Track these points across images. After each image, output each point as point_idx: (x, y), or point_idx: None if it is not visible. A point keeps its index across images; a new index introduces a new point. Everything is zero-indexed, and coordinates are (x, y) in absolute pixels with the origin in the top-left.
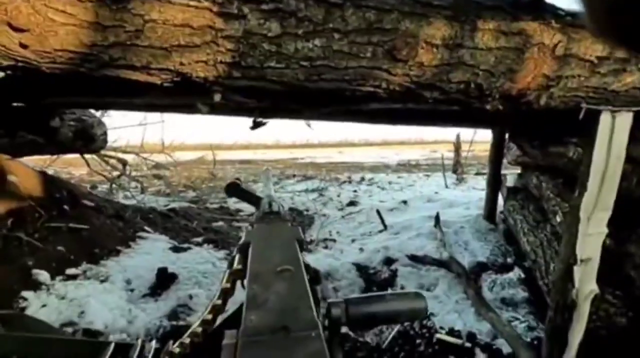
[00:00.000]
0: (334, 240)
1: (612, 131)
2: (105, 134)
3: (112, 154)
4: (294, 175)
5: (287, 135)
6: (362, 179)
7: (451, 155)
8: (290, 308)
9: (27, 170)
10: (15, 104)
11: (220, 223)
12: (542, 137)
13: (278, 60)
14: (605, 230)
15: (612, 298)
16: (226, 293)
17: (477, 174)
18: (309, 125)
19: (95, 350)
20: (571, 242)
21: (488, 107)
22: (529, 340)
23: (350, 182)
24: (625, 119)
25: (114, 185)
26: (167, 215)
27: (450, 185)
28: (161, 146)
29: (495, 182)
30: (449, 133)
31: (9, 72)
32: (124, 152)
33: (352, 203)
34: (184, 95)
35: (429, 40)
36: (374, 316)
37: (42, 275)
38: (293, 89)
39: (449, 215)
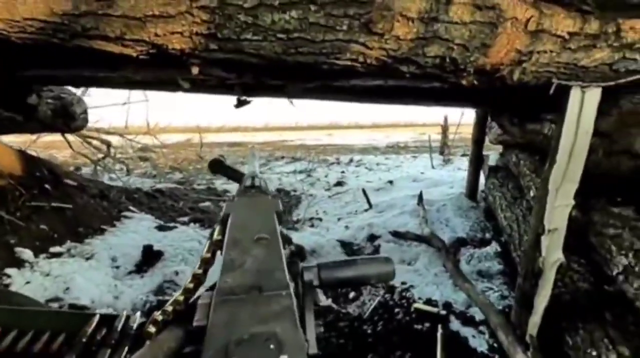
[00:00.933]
0: (320, 219)
1: (581, 106)
2: (85, 112)
3: (95, 134)
4: (283, 157)
5: (277, 118)
6: (351, 160)
7: (440, 137)
8: (264, 271)
9: (5, 148)
10: None
11: (207, 203)
12: (521, 115)
13: (255, 32)
14: (572, 202)
15: (577, 265)
16: (207, 263)
17: (464, 155)
18: (292, 103)
19: (80, 322)
20: (540, 214)
21: (464, 82)
22: (500, 307)
23: (338, 163)
24: (594, 95)
25: (98, 167)
26: (153, 195)
27: (436, 166)
28: (146, 128)
29: (477, 161)
30: (438, 116)
31: None
32: (108, 133)
33: (339, 183)
34: (163, 70)
35: (404, 14)
36: (344, 279)
37: (25, 253)
38: (271, 62)
39: (433, 194)
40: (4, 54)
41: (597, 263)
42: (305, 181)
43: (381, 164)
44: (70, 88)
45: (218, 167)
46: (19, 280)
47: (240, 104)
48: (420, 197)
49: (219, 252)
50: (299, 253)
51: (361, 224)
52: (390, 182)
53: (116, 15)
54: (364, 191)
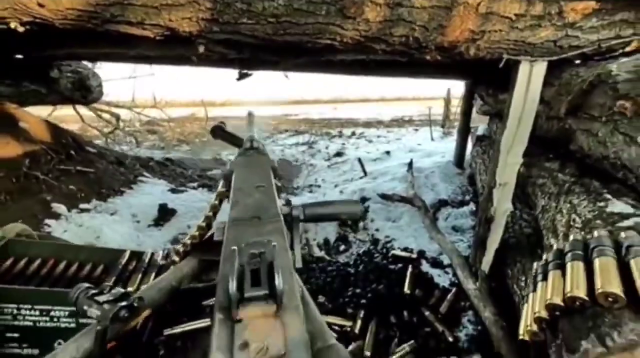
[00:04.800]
0: (319, 186)
1: (529, 78)
2: (100, 85)
3: (105, 107)
4: (286, 131)
5: (281, 92)
6: (353, 133)
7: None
8: (262, 207)
9: (35, 118)
10: (17, 56)
11: (214, 171)
12: (494, 86)
13: (249, 17)
14: (521, 160)
15: (522, 214)
16: (215, 208)
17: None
18: (286, 76)
19: (115, 256)
20: (493, 170)
21: (428, 57)
22: (465, 254)
23: (340, 136)
24: (540, 68)
25: (109, 140)
26: (163, 163)
27: (436, 138)
28: (153, 101)
29: (464, 131)
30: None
31: (27, 27)
32: (117, 106)
33: (338, 154)
34: (174, 48)
35: (373, 0)
36: (322, 215)
37: (60, 208)
38: (264, 41)
39: (425, 163)
40: (34, 36)
41: (532, 209)
42: (307, 152)
43: (382, 137)
44: (86, 63)
45: (219, 132)
46: (57, 229)
47: (241, 76)
48: (410, 165)
49: (225, 200)
50: (288, 201)
51: (354, 189)
52: (387, 152)
53: (138, 5)
54: (359, 160)
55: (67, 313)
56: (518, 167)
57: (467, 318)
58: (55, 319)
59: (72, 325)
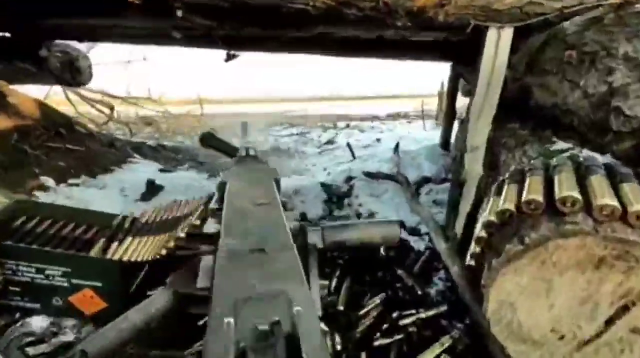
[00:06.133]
0: (308, 170)
1: (497, 44)
2: (90, 67)
3: (99, 97)
4: (281, 124)
5: (278, 89)
6: (347, 125)
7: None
8: (266, 233)
9: (24, 96)
10: (3, 34)
11: (207, 156)
12: (475, 64)
13: None
14: (490, 126)
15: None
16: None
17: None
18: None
19: (107, 219)
20: (464, 135)
21: (399, 23)
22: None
23: (334, 127)
24: (508, 34)
25: (102, 130)
26: (155, 148)
27: (428, 129)
28: (147, 93)
29: (451, 114)
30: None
31: None
32: (111, 96)
33: (330, 142)
34: (156, 19)
35: None
36: (349, 241)
37: (49, 181)
38: (240, 6)
39: (413, 146)
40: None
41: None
42: (299, 141)
43: (376, 128)
44: (75, 44)
45: (209, 140)
46: (47, 201)
47: (229, 57)
48: (396, 146)
49: (214, 221)
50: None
51: (342, 169)
52: (378, 140)
53: None
54: (348, 144)
55: (59, 272)
56: (487, 131)
57: (439, 277)
58: (50, 277)
59: (66, 284)
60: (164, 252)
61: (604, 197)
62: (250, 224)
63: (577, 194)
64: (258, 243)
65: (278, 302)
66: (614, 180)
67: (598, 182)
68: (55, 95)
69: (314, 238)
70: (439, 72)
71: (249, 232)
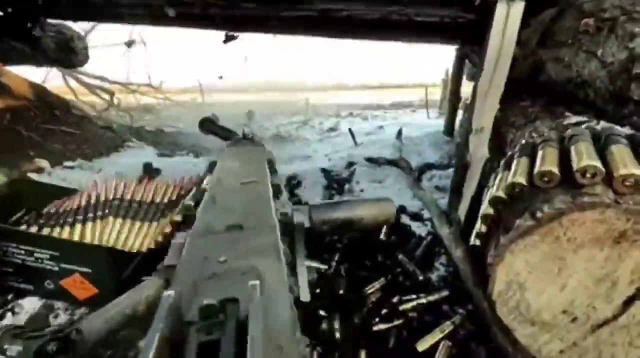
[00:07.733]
0: (309, 156)
1: (506, 19)
2: (86, 48)
3: (99, 83)
4: (282, 112)
5: (282, 78)
6: (350, 113)
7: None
8: (248, 210)
9: (19, 77)
10: None
11: (207, 141)
12: (480, 44)
13: None
14: (498, 106)
15: (497, 157)
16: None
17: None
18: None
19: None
20: (470, 116)
21: None
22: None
23: (337, 116)
24: (518, 8)
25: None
26: (155, 133)
27: (432, 117)
28: (148, 84)
29: (455, 100)
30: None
31: None
32: (112, 82)
33: (332, 129)
34: None
35: None
36: (338, 220)
37: (44, 163)
38: None
39: (416, 133)
40: None
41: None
42: (302, 128)
43: (379, 116)
44: (70, 24)
45: (209, 125)
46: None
47: (228, 39)
48: (399, 133)
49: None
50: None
51: (343, 156)
52: (381, 127)
53: None
54: (350, 130)
55: (48, 256)
56: (495, 112)
57: (440, 262)
58: (39, 260)
59: (55, 268)
60: (160, 238)
61: (627, 167)
62: (233, 201)
63: (598, 164)
64: (237, 220)
65: (244, 278)
66: (637, 151)
67: (619, 151)
68: (53, 81)
69: (300, 217)
70: (443, 61)
71: (230, 210)
